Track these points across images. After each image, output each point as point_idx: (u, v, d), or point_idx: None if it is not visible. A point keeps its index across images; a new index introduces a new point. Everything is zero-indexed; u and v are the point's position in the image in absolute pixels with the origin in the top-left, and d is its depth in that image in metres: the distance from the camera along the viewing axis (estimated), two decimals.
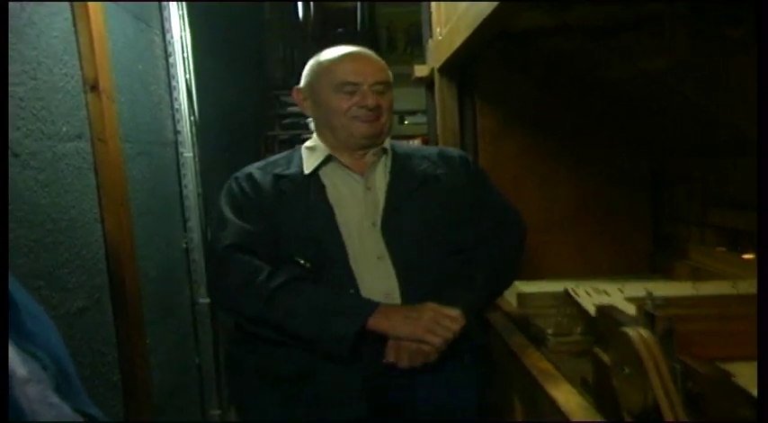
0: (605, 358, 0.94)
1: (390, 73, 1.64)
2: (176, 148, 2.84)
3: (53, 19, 1.78)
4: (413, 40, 6.71)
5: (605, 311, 0.98)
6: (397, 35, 6.97)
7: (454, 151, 1.77)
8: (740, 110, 1.46)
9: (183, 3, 2.95)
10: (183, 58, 2.92)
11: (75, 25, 1.89)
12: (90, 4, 1.91)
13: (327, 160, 1.62)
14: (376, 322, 1.39)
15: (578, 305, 1.25)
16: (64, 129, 1.77)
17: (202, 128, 3.02)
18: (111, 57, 2.11)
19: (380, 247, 1.52)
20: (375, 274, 1.50)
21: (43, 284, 1.61)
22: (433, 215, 1.58)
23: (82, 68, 1.91)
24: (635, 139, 1.91)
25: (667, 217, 1.89)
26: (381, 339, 1.43)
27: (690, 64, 1.58)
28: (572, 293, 1.28)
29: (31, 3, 1.68)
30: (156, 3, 2.81)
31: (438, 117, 2.22)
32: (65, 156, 1.77)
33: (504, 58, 1.93)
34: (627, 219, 1.95)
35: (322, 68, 1.62)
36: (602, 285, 1.37)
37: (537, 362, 1.23)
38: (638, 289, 1.28)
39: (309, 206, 1.55)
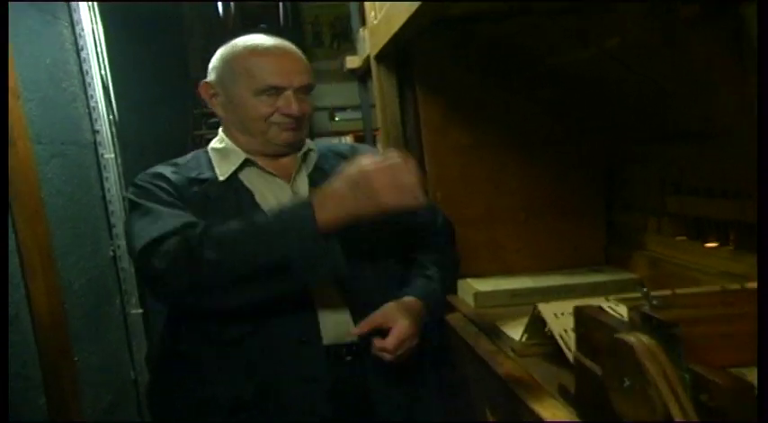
0: (594, 368, 0.84)
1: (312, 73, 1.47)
2: (96, 149, 2.63)
3: None
4: (339, 35, 6.58)
5: (588, 314, 0.89)
6: (322, 29, 6.82)
7: (367, 149, 1.65)
8: (697, 93, 1.41)
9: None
10: (97, 52, 2.72)
11: None
12: None
13: (244, 164, 1.43)
14: (324, 215, 1.20)
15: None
16: None
17: (123, 127, 2.82)
18: (13, 50, 1.91)
19: None
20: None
21: None
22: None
23: None
24: (587, 127, 1.84)
25: (622, 206, 1.83)
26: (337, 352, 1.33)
27: (643, 44, 1.52)
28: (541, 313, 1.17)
29: None
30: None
31: (378, 108, 2.10)
32: None
33: (446, 45, 1.84)
34: (581, 209, 1.88)
35: (239, 65, 1.41)
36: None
37: (512, 371, 1.13)
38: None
39: (241, 213, 1.33)
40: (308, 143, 1.52)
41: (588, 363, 0.87)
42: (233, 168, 1.41)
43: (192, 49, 6.30)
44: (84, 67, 2.64)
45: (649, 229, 1.66)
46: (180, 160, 1.49)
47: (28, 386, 1.75)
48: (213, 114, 1.52)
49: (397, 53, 1.95)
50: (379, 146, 2.23)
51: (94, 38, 2.74)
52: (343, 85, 4.78)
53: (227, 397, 1.31)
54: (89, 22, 2.72)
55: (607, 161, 1.86)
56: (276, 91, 1.39)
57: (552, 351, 1.14)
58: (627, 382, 0.72)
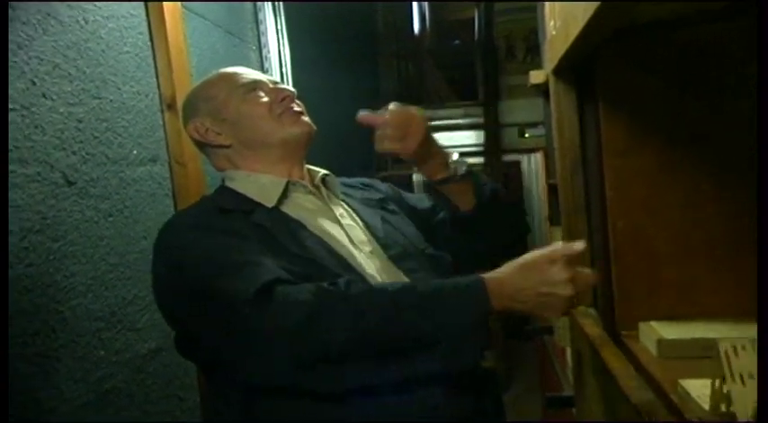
0: None
1: None
2: None
3: (124, 33, 1.65)
4: (533, 49, 6.37)
5: None
6: (516, 43, 6.64)
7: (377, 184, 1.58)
8: None
9: (282, 18, 2.83)
10: (282, 73, 2.79)
11: (151, 39, 1.76)
12: (167, 9, 1.78)
13: (286, 190, 1.28)
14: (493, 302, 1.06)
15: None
16: (134, 152, 1.63)
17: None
18: (195, 73, 1.97)
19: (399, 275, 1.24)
20: None
21: (103, 326, 1.45)
22: (412, 235, 1.38)
23: (158, 86, 1.78)
24: None
25: None
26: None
27: None
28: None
29: (98, 17, 1.55)
30: (253, 19, 2.70)
31: (554, 128, 1.91)
32: (135, 181, 1.63)
33: (633, 55, 1.61)
34: None
35: (215, 86, 1.31)
36: None
37: None
38: None
39: (298, 239, 1.19)
40: (320, 169, 1.42)
41: None
42: (278, 193, 1.26)
43: (383, 72, 6.39)
44: None
45: None
46: (199, 202, 1.34)
47: (183, 408, 1.76)
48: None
49: (576, 67, 1.76)
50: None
51: (280, 60, 2.81)
52: (534, 101, 4.59)
53: None
54: (276, 44, 2.79)
55: None
56: (256, 85, 1.31)
57: None
58: None
